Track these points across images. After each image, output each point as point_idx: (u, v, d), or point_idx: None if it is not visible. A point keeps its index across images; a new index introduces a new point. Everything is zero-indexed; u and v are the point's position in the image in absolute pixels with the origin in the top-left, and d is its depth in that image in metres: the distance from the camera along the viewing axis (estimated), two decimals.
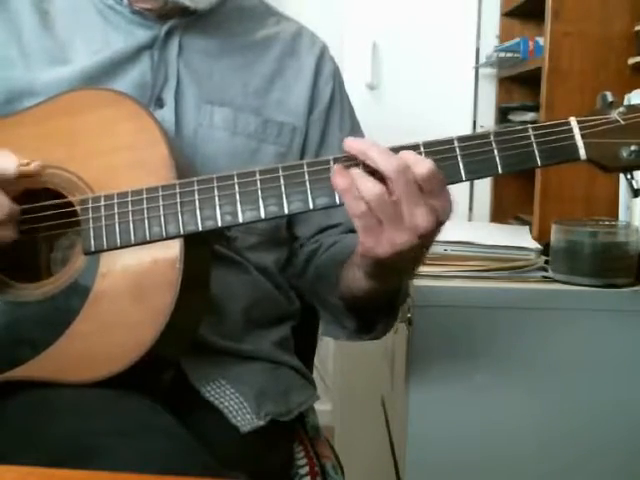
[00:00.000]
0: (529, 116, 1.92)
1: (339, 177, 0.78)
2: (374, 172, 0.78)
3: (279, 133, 1.04)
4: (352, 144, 0.79)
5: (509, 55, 1.98)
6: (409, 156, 0.78)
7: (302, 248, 1.09)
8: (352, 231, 1.04)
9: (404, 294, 0.99)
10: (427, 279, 1.37)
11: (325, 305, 1.03)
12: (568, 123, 0.81)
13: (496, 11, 2.18)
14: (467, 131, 2.21)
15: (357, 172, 0.78)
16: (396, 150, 0.80)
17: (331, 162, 0.81)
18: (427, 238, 0.79)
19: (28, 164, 0.83)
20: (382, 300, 0.94)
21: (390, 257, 0.79)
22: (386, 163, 0.77)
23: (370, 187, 0.77)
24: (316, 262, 1.05)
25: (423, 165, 0.77)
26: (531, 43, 1.90)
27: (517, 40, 1.95)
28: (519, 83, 2.14)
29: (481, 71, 2.22)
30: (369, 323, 0.98)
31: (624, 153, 0.81)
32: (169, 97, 0.99)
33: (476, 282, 1.37)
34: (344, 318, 0.99)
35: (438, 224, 0.79)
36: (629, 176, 0.83)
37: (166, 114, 0.98)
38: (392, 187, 0.76)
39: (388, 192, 0.76)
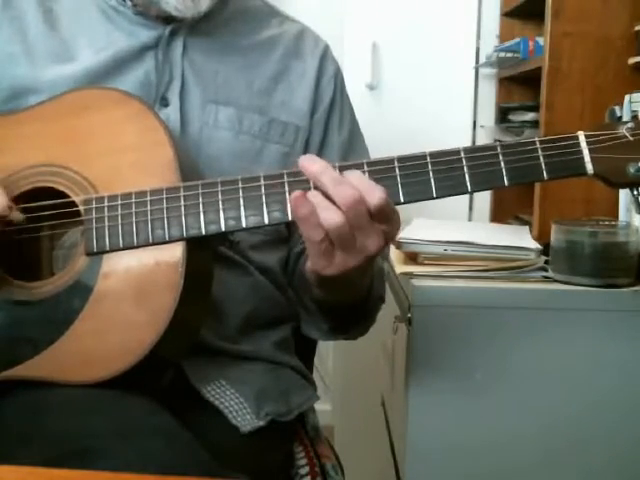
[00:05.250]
0: (529, 116, 1.92)
1: (300, 205, 0.78)
2: None
3: (283, 133, 1.05)
4: (306, 166, 0.79)
5: (509, 55, 1.98)
6: (362, 185, 0.78)
7: (293, 249, 1.09)
8: None
9: (374, 300, 1.00)
10: (427, 279, 1.37)
11: (302, 305, 1.04)
12: (576, 137, 0.81)
13: (496, 11, 2.18)
14: (467, 131, 2.21)
15: (318, 200, 0.78)
16: (402, 160, 0.80)
17: (336, 169, 0.81)
18: (374, 257, 0.82)
19: (12, 209, 0.83)
20: (345, 306, 0.95)
21: (338, 276, 0.81)
22: (339, 194, 0.77)
23: (331, 216, 0.77)
24: (300, 262, 1.05)
25: (375, 195, 0.77)
26: (531, 43, 1.90)
27: (517, 40, 1.95)
28: (519, 83, 2.13)
29: (481, 71, 2.22)
30: (343, 325, 1.00)
31: (631, 169, 0.81)
32: (174, 96, 0.99)
33: (476, 282, 1.37)
34: (318, 319, 1.01)
35: (386, 244, 0.81)
36: (635, 192, 0.83)
37: (171, 113, 0.98)
38: (345, 216, 0.77)
39: (348, 222, 0.77)
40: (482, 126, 2.20)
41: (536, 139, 0.81)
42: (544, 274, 1.39)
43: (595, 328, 1.34)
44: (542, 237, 1.54)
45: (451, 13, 2.18)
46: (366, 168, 0.81)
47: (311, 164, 0.79)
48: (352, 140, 1.12)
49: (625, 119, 1.30)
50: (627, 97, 1.43)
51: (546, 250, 1.41)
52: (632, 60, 1.59)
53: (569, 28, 1.62)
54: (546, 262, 1.41)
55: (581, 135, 0.81)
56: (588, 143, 0.81)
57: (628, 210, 1.46)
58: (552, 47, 1.63)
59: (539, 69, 1.68)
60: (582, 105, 1.61)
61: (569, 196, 1.60)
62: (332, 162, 0.82)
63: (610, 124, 0.82)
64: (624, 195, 1.48)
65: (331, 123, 1.10)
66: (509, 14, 2.13)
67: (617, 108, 0.82)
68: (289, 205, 0.81)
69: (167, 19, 1.00)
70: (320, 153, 1.08)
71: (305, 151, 1.07)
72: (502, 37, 2.14)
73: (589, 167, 0.81)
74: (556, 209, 1.59)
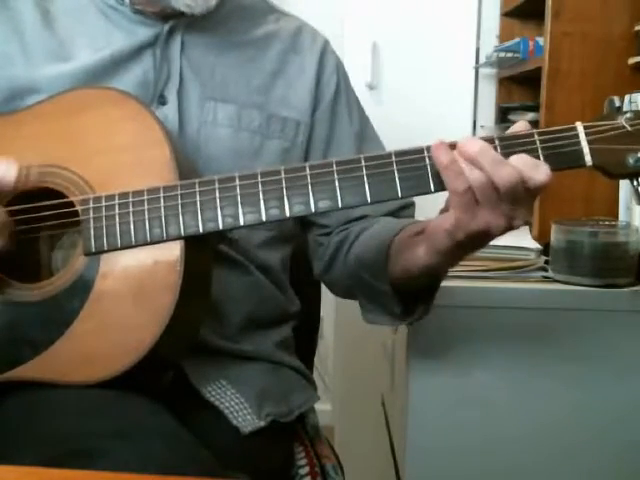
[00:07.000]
0: (529, 116, 1.92)
1: (440, 155, 0.78)
2: None
3: (283, 128, 1.04)
4: (468, 146, 0.78)
5: (509, 55, 1.98)
6: (524, 167, 0.78)
7: (329, 239, 1.07)
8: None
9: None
10: None
11: (370, 291, 1.00)
12: (574, 129, 0.81)
13: (496, 11, 2.19)
14: (467, 131, 2.21)
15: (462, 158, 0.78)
16: (399, 154, 0.80)
17: (333, 165, 0.81)
18: (515, 228, 0.81)
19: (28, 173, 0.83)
20: (431, 280, 0.94)
21: (479, 234, 0.80)
22: (499, 175, 0.77)
23: (475, 174, 0.77)
24: (355, 250, 1.02)
25: (541, 173, 0.77)
26: (531, 43, 1.90)
27: (517, 40, 1.95)
28: (519, 83, 2.14)
29: (481, 71, 2.22)
30: (412, 306, 0.98)
31: (630, 160, 0.80)
32: (172, 95, 0.99)
33: (476, 282, 1.37)
34: (392, 303, 0.98)
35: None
36: (635, 183, 0.83)
37: (169, 112, 0.98)
38: (501, 192, 0.77)
39: (493, 182, 0.77)
40: (482, 126, 2.20)
41: (534, 131, 0.81)
42: (544, 274, 1.39)
43: (595, 328, 1.34)
44: (542, 237, 1.53)
45: (451, 13, 2.18)
46: (363, 163, 0.81)
47: (472, 145, 0.79)
48: (364, 129, 1.11)
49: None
50: (627, 97, 1.43)
51: (546, 250, 1.41)
52: (632, 60, 1.59)
53: (569, 28, 1.62)
54: (546, 262, 1.41)
55: (580, 126, 0.81)
56: (587, 134, 0.80)
57: (628, 209, 1.46)
58: (552, 47, 1.63)
59: (539, 69, 1.68)
60: (582, 105, 1.61)
61: (569, 196, 1.60)
62: (336, 158, 0.82)
63: (609, 115, 0.81)
64: (624, 194, 1.48)
65: (339, 116, 1.09)
66: (509, 14, 2.13)
67: (616, 98, 0.80)
68: (286, 201, 0.81)
69: (166, 16, 1.00)
70: (328, 147, 1.07)
71: (308, 146, 1.06)
72: (502, 37, 2.14)
73: (588, 158, 0.80)
74: (556, 209, 1.59)
